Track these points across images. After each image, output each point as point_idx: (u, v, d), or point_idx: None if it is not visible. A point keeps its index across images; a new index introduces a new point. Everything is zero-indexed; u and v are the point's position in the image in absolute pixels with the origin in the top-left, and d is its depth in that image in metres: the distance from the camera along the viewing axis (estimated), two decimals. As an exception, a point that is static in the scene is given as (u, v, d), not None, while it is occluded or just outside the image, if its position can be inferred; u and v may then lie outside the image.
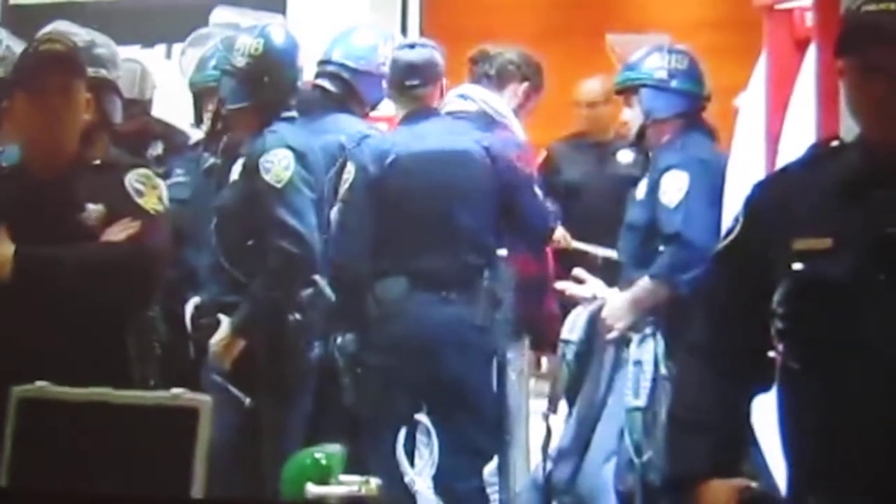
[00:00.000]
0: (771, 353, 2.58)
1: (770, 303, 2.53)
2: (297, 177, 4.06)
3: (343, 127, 4.55)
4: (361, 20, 6.52)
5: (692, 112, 4.72)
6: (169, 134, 4.29)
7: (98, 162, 3.39)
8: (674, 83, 4.72)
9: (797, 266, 2.51)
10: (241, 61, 4.28)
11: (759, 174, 2.86)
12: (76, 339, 3.16)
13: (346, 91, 4.64)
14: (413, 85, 4.57)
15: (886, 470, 2.43)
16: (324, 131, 4.56)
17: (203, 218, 4.19)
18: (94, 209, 3.28)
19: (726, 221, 3.50)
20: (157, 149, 4.06)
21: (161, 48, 5.12)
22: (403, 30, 6.85)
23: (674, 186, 4.49)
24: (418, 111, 4.56)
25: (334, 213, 4.35)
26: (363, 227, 4.39)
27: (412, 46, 4.80)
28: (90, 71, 3.53)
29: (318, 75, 4.70)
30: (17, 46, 3.89)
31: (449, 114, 4.63)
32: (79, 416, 2.47)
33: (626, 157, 5.40)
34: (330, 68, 4.66)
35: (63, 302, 3.23)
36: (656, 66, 4.74)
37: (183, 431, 2.38)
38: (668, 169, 4.53)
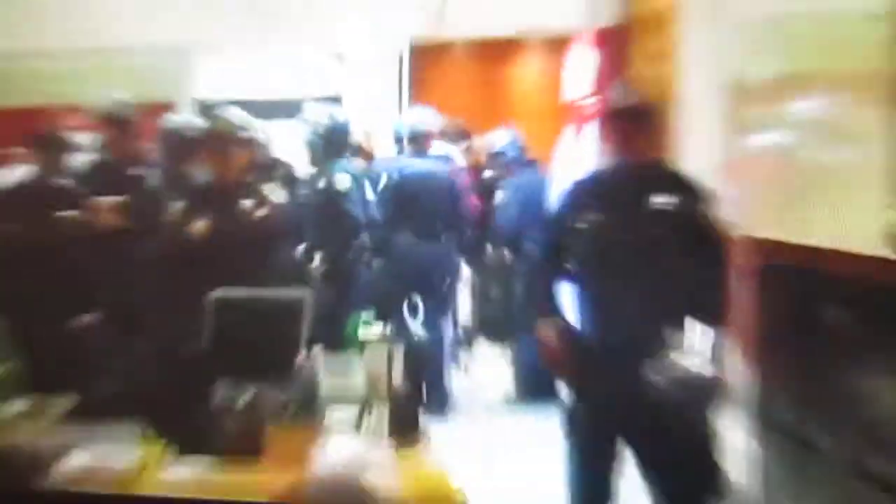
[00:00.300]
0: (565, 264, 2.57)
1: (568, 242, 2.53)
2: (352, 187, 4.02)
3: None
4: (380, 100, 6.22)
5: (517, 159, 4.69)
6: (282, 166, 4.10)
7: (249, 179, 3.22)
8: (506, 149, 4.71)
9: (583, 226, 2.49)
10: (321, 128, 4.20)
11: (567, 182, 2.83)
12: (243, 264, 2.84)
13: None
14: (421, 139, 4.43)
15: (622, 320, 2.40)
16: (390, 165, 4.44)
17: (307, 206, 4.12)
18: (249, 202, 3.10)
19: (548, 205, 3.56)
20: (278, 172, 3.93)
21: (277, 122, 4.91)
22: (399, 102, 6.34)
23: (498, 197, 4.59)
24: (419, 151, 4.40)
25: (374, 199, 4.18)
26: (387, 204, 4.22)
27: (426, 120, 4.53)
28: (244, 133, 3.26)
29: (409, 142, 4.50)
30: (201, 121, 3.67)
31: (432, 154, 4.48)
32: (243, 306, 2.33)
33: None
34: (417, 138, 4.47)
35: (241, 246, 2.96)
36: (498, 143, 4.74)
37: (296, 311, 2.25)
38: (500, 188, 4.63)
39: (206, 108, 4.94)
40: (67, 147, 3.36)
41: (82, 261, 3.02)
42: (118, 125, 3.35)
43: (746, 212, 3.11)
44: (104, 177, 3.26)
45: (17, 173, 3.33)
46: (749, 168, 3.53)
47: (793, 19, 3.40)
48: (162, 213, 3.06)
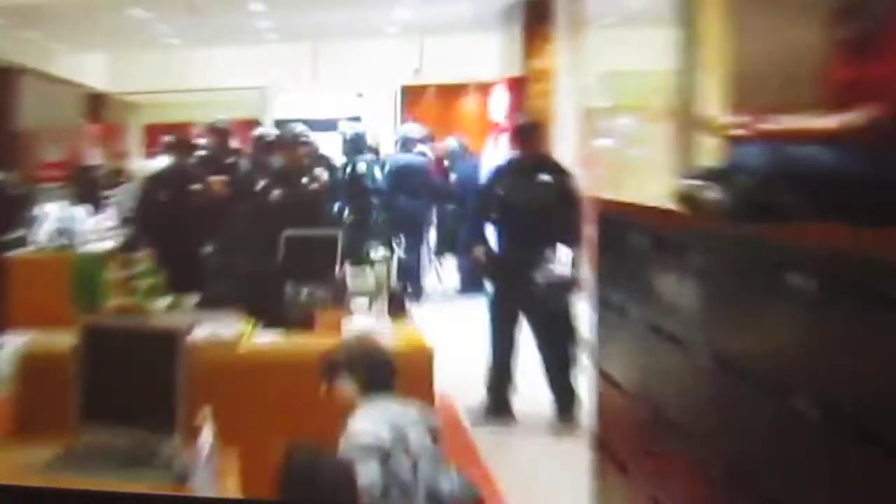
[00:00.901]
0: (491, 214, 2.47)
1: (491, 201, 2.43)
2: (368, 170, 3.83)
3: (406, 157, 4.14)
4: (384, 119, 5.95)
5: (462, 154, 4.42)
6: (326, 158, 3.66)
7: (306, 165, 2.86)
8: (455, 148, 4.41)
9: (500, 192, 2.40)
10: (348, 136, 3.99)
11: (491, 167, 2.69)
12: (302, 217, 2.44)
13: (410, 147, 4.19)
14: (408, 142, 4.15)
15: (521, 245, 2.31)
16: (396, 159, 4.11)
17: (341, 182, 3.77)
18: (306, 179, 2.78)
19: (480, 179, 3.41)
20: (323, 161, 3.63)
21: (323, 132, 4.54)
22: (395, 121, 6.03)
23: (451, 177, 4.30)
24: (406, 149, 4.10)
25: (380, 177, 3.96)
26: (388, 180, 3.95)
27: (411, 131, 4.21)
28: (303, 138, 2.88)
29: (401, 144, 4.15)
30: (277, 131, 3.39)
31: (414, 151, 4.20)
32: (303, 239, 2.11)
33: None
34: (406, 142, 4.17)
35: (301, 206, 2.60)
36: (451, 145, 4.44)
37: (334, 242, 2.03)
38: (454, 170, 4.36)
39: (279, 123, 4.77)
40: (191, 146, 3.13)
41: (204, 214, 2.80)
42: (219, 133, 3.13)
43: (592, 184, 3.25)
44: (212, 164, 3.05)
45: (163, 161, 3.11)
46: (593, 159, 3.69)
47: (618, 73, 3.50)
48: (252, 186, 2.87)
